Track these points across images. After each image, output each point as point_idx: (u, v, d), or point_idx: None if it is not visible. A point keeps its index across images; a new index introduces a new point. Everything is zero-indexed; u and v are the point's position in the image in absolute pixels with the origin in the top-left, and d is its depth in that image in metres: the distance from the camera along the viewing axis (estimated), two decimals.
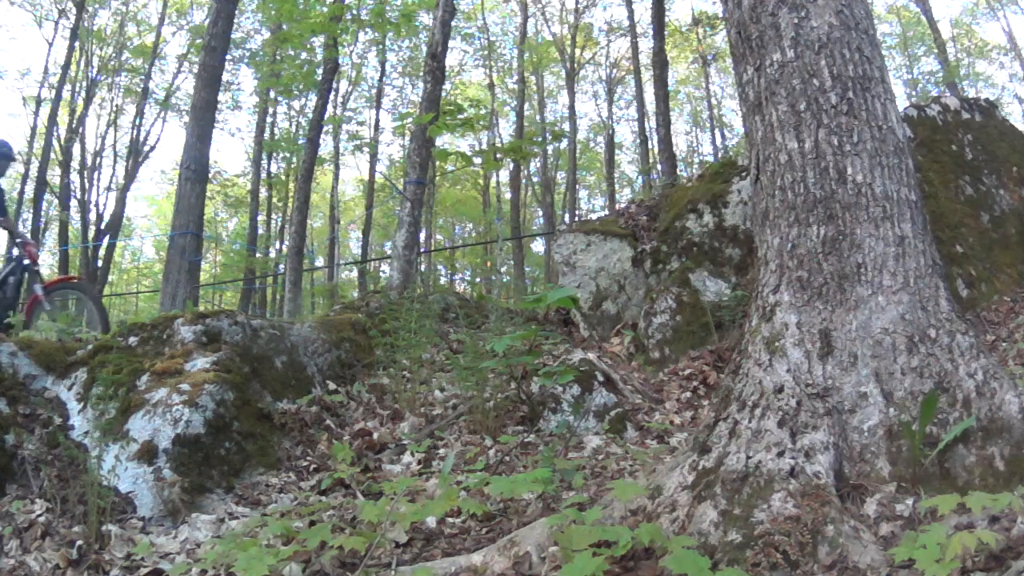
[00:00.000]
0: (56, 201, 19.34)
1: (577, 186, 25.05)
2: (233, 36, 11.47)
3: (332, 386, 3.95)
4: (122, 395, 3.06)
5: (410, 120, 7.67)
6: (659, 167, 11.83)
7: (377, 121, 21.68)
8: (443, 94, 6.69)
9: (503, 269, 21.96)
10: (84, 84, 18.99)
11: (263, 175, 20.42)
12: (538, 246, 25.90)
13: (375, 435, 3.52)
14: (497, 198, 25.29)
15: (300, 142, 13.87)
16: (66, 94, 18.24)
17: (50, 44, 18.43)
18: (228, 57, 11.64)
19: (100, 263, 18.55)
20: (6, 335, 5.23)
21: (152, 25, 19.63)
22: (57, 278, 6.80)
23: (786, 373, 2.21)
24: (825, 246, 2.32)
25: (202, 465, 2.88)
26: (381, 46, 17.72)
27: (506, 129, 23.98)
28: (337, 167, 20.34)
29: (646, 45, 17.27)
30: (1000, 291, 4.88)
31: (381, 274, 20.29)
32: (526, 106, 23.12)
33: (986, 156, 5.58)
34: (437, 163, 17.26)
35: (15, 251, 5.93)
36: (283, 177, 21.22)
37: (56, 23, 18.24)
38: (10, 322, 5.31)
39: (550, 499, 2.57)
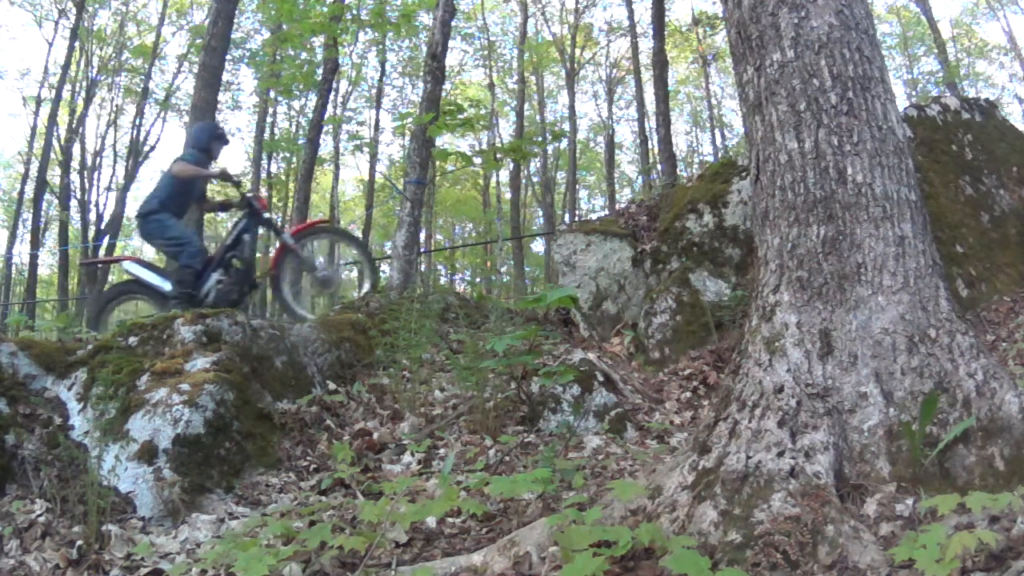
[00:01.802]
0: (56, 201, 19.34)
1: (577, 186, 25.06)
2: (233, 36, 11.47)
3: (332, 386, 3.95)
4: (122, 395, 3.06)
5: (410, 120, 7.67)
6: (659, 167, 11.83)
7: (377, 121, 21.69)
8: (443, 94, 6.69)
9: (503, 269, 21.96)
10: (84, 84, 19.00)
11: (263, 175, 20.40)
12: (538, 246, 25.91)
13: (375, 435, 3.52)
14: (497, 198, 25.29)
15: (300, 142, 13.88)
16: (66, 94, 18.25)
17: (50, 44, 18.48)
18: (228, 57, 11.64)
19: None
20: (250, 294, 5.09)
21: (152, 25, 19.66)
22: (307, 223, 6.10)
23: (786, 373, 2.21)
24: (825, 246, 2.32)
25: (202, 465, 2.88)
26: (381, 46, 17.72)
27: (506, 129, 24.00)
28: (337, 167, 20.36)
29: (646, 45, 17.29)
30: (1000, 291, 4.88)
31: (381, 274, 20.27)
32: (526, 106, 23.14)
33: (986, 156, 5.58)
34: (437, 163, 17.26)
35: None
36: (283, 177, 21.21)
37: (56, 23, 18.27)
38: (255, 282, 5.14)
39: (550, 499, 2.57)
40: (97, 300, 5.46)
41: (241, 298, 5.10)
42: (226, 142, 5.58)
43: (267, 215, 5.25)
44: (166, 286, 5.12)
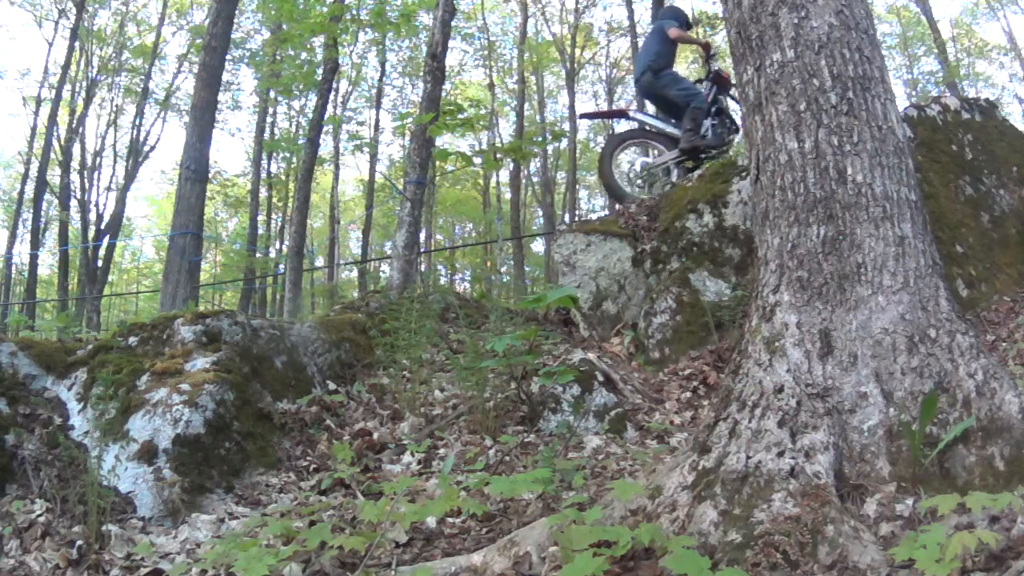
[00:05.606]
0: (56, 201, 19.34)
1: (577, 186, 25.07)
2: (233, 36, 11.47)
3: (332, 386, 3.95)
4: (122, 395, 3.06)
5: (410, 120, 7.67)
6: None
7: (377, 121, 21.68)
8: (443, 94, 6.69)
9: (503, 269, 21.97)
10: (84, 84, 19.01)
11: (263, 175, 20.41)
12: (538, 246, 25.91)
13: (375, 435, 3.52)
14: (497, 198, 25.29)
15: (300, 142, 13.86)
16: (66, 94, 18.25)
17: (50, 44, 18.51)
18: (228, 57, 11.64)
19: (100, 263, 18.56)
20: (734, 135, 6.68)
21: (152, 25, 19.66)
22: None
23: (786, 373, 2.21)
24: (825, 246, 2.32)
25: (202, 465, 2.88)
26: (381, 46, 17.70)
27: (506, 129, 24.01)
28: (337, 167, 20.35)
29: None
30: (1000, 291, 4.87)
31: (381, 274, 20.31)
32: (526, 106, 23.14)
33: (986, 156, 5.58)
34: (437, 163, 17.25)
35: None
36: (283, 177, 21.23)
37: (56, 23, 18.28)
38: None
39: (550, 499, 2.57)
40: (606, 151, 6.79)
41: (727, 135, 6.52)
42: (691, 26, 7.39)
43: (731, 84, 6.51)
44: (671, 128, 6.55)
